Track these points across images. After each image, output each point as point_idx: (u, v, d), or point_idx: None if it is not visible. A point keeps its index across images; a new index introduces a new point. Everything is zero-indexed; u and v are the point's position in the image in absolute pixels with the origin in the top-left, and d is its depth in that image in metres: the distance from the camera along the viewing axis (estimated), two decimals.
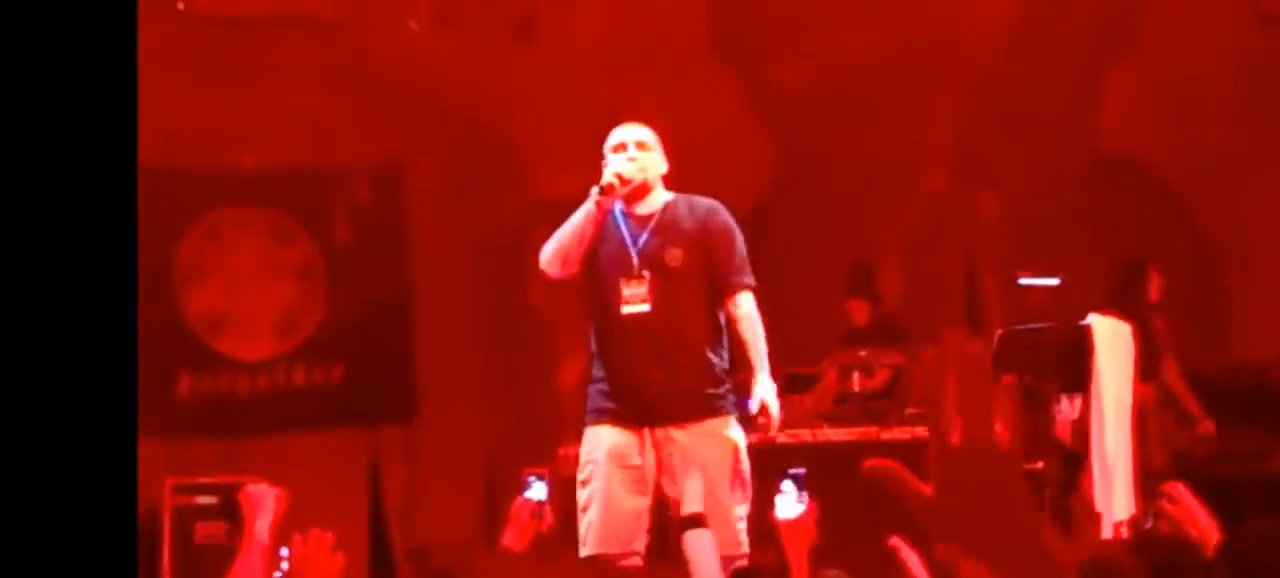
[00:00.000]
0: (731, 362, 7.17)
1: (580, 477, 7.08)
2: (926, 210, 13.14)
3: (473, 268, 13.00)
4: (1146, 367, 10.24)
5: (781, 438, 9.84)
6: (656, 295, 7.00)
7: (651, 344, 7.00)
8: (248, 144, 12.37)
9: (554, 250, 7.15)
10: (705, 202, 7.22)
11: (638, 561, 6.90)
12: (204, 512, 11.34)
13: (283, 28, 12.30)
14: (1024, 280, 11.07)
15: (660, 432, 6.99)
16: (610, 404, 7.04)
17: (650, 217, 7.11)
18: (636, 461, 6.98)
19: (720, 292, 7.11)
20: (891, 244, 13.08)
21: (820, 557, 5.41)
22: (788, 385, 10.83)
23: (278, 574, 4.75)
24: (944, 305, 13.00)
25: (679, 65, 12.81)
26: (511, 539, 5.54)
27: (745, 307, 7.09)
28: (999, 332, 10.24)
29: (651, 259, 7.04)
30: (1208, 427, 10.69)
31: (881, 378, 10.74)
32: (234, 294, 12.59)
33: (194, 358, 12.42)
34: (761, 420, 7.01)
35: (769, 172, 12.91)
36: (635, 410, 7.00)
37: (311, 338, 12.68)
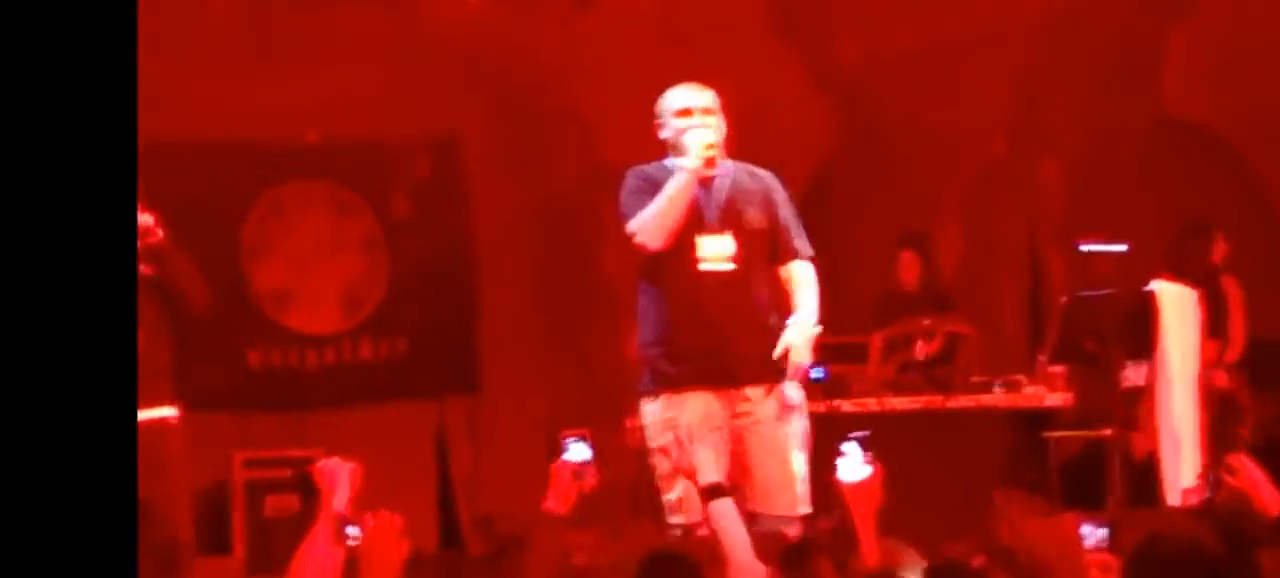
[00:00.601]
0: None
1: (658, 444, 6.98)
2: (987, 177, 13.10)
3: (535, 238, 13.03)
4: (1214, 331, 10.20)
5: (846, 407, 9.95)
6: (738, 252, 6.94)
7: (733, 302, 6.93)
8: (310, 119, 12.42)
9: (656, 224, 6.97)
10: (759, 170, 7.19)
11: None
12: (274, 485, 11.43)
13: (343, 2, 12.34)
14: (1086, 247, 11.02)
15: (737, 393, 6.92)
16: (685, 367, 6.93)
17: (719, 175, 7.05)
18: (720, 424, 6.91)
19: (783, 256, 7.07)
20: (951, 212, 13.05)
21: (884, 522, 5.44)
22: (846, 355, 10.87)
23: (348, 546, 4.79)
24: (1004, 273, 12.99)
25: (738, 31, 12.79)
26: (554, 502, 5.54)
27: (804, 272, 7.07)
28: (1063, 298, 10.22)
29: (730, 217, 6.99)
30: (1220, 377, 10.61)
31: (939, 345, 10.73)
32: (299, 269, 12.66)
33: (262, 333, 12.49)
34: (787, 363, 6.88)
35: (828, 140, 12.91)
36: (717, 371, 6.91)
37: (376, 311, 12.74)
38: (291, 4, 12.27)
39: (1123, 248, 10.64)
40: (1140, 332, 9.63)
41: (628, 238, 7.13)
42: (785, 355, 6.86)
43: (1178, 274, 10.22)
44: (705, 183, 6.99)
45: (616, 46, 12.61)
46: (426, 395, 12.70)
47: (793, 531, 6.70)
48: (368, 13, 12.40)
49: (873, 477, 5.41)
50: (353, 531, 4.76)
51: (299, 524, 11.06)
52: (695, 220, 6.96)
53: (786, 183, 7.38)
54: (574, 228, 13.04)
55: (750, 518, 6.47)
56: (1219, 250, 10.73)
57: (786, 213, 7.13)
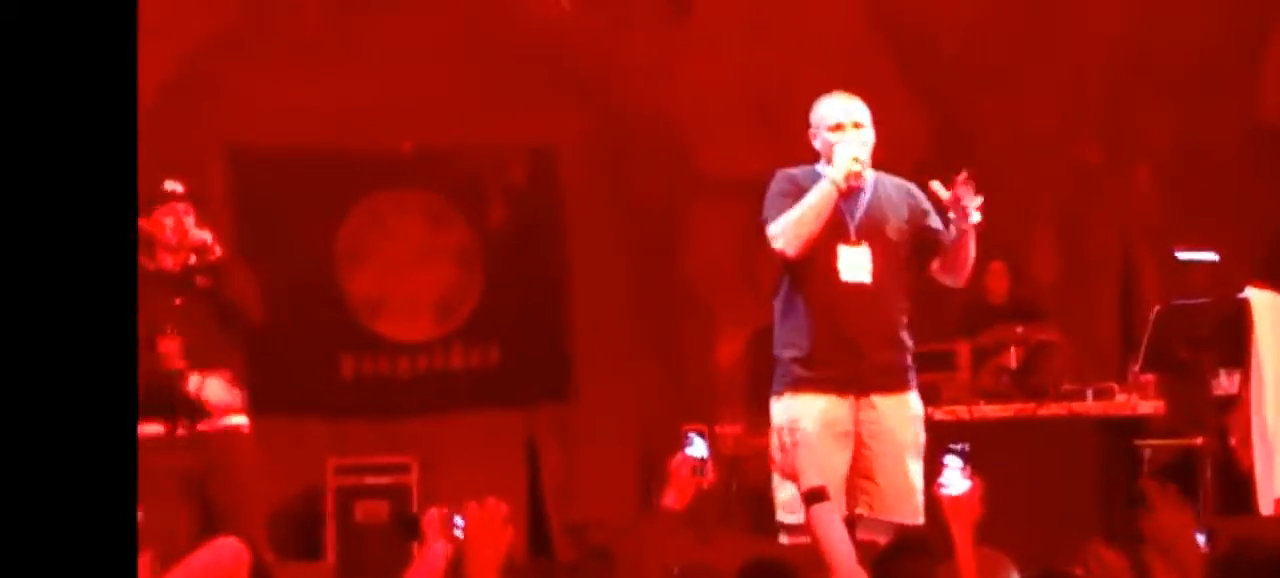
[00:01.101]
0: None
1: (780, 443, 7.03)
2: (1080, 185, 13.04)
3: (628, 246, 13.06)
4: None
5: (938, 415, 9.93)
6: (876, 265, 7.06)
7: (868, 312, 7.05)
8: (404, 126, 12.49)
9: (794, 232, 7.03)
10: (903, 181, 7.29)
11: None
12: (366, 492, 11.50)
13: (437, 9, 12.40)
14: (1182, 255, 10.96)
15: (865, 399, 7.04)
16: (817, 372, 7.04)
17: (861, 187, 7.12)
18: (847, 428, 7.02)
19: (934, 251, 7.18)
20: (1045, 220, 13.00)
21: (978, 530, 5.42)
22: (936, 363, 10.86)
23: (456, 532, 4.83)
24: (1098, 281, 12.92)
25: (832, 37, 12.77)
26: (672, 498, 5.50)
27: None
28: (1156, 307, 10.16)
29: (870, 230, 7.09)
30: None
31: (1030, 353, 10.71)
32: (393, 277, 12.74)
33: (355, 340, 12.58)
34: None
35: (922, 145, 12.86)
36: (847, 378, 7.03)
37: (469, 320, 12.81)
38: (387, 10, 12.34)
39: (1215, 257, 10.57)
40: (1233, 339, 9.55)
41: (768, 241, 7.18)
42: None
43: (1271, 282, 10.15)
44: (848, 194, 7.07)
45: (710, 52, 12.62)
46: (518, 403, 12.75)
47: (884, 538, 6.75)
48: (463, 19, 12.45)
49: (972, 490, 5.39)
50: (458, 521, 4.80)
51: (389, 532, 11.20)
52: (838, 231, 7.07)
53: None
54: (666, 235, 13.06)
55: (859, 522, 6.78)
56: None
57: (931, 219, 7.20)
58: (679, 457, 5.56)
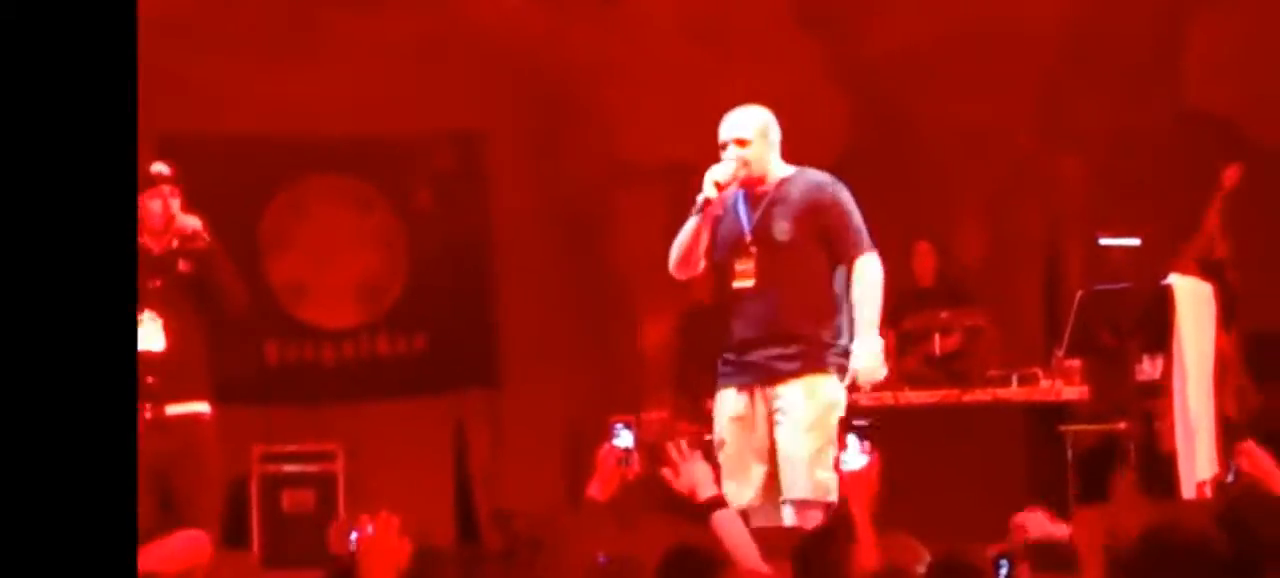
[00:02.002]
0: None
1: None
2: (1009, 173, 13.09)
3: (555, 233, 13.03)
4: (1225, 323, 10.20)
5: (863, 400, 9.95)
6: (761, 270, 7.54)
7: (754, 314, 7.53)
8: (331, 113, 12.42)
9: (675, 257, 7.68)
10: (815, 176, 7.72)
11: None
12: (291, 480, 11.45)
13: None
14: (1105, 240, 11.02)
15: (767, 390, 7.52)
16: (728, 369, 7.62)
17: (765, 193, 7.62)
18: (751, 419, 7.54)
19: (839, 261, 7.60)
20: (972, 206, 13.04)
21: (890, 513, 5.43)
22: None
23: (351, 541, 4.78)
24: (1024, 266, 12.97)
25: (761, 30, 12.78)
26: (597, 489, 5.54)
27: (862, 271, 7.57)
28: (1080, 292, 10.21)
29: (761, 235, 7.55)
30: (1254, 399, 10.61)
31: (956, 339, 10.75)
32: (317, 263, 12.67)
33: (279, 327, 12.51)
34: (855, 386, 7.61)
35: (850, 135, 12.88)
36: (748, 374, 7.55)
37: (395, 306, 12.75)
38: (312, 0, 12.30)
39: (1137, 242, 10.64)
40: (1157, 325, 9.63)
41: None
42: (854, 380, 7.56)
43: (1204, 269, 10.24)
44: (756, 201, 7.60)
45: (640, 43, 12.61)
46: (444, 390, 12.71)
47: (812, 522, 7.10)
48: (392, 7, 12.40)
49: (869, 466, 5.43)
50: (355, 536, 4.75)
51: (314, 520, 11.14)
52: (736, 244, 7.59)
53: None
54: (593, 224, 13.04)
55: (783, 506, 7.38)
56: (1221, 244, 10.73)
57: (839, 216, 7.62)
58: (605, 448, 5.60)
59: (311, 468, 11.46)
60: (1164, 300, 9.59)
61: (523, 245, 12.94)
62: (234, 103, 11.89)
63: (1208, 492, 8.71)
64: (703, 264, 7.67)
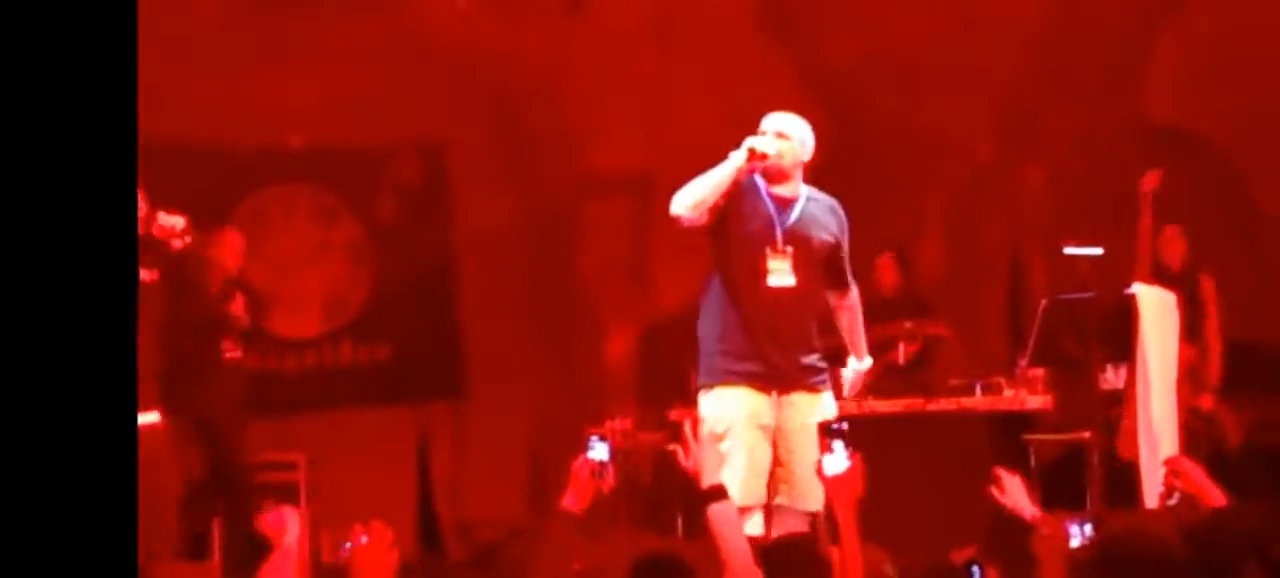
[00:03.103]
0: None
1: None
2: (972, 182, 13.11)
3: (520, 244, 13.01)
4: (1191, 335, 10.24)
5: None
6: (798, 273, 7.50)
7: (789, 316, 7.50)
8: (294, 123, 12.40)
9: (692, 197, 7.44)
10: (831, 199, 7.76)
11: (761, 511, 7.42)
12: (252, 489, 11.40)
13: (329, 6, 12.32)
14: (1069, 250, 11.05)
15: (785, 397, 7.48)
16: (743, 367, 7.46)
17: (792, 200, 7.56)
18: (768, 421, 7.46)
19: (839, 281, 7.74)
20: (935, 216, 13.06)
21: (867, 523, 5.43)
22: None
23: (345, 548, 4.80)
24: (987, 276, 12.99)
25: (726, 37, 12.79)
26: (571, 500, 5.51)
27: (855, 298, 7.83)
28: (1044, 301, 10.24)
29: (797, 239, 7.52)
30: (1206, 400, 10.64)
31: (919, 348, 10.77)
32: (281, 273, 12.63)
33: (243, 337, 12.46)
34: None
35: (815, 144, 12.89)
36: (769, 375, 7.46)
37: (358, 316, 12.72)
38: (277, 7, 12.25)
39: (1100, 251, 10.67)
40: (1120, 335, 9.66)
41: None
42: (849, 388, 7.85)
43: (1156, 276, 10.29)
44: (780, 202, 7.53)
45: (605, 52, 12.62)
46: (408, 400, 12.69)
47: (802, 526, 7.32)
48: (355, 17, 12.38)
49: (852, 468, 5.43)
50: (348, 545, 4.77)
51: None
52: (768, 238, 7.49)
53: None
54: (559, 235, 13.03)
55: (777, 511, 7.40)
56: (1178, 247, 10.77)
57: (848, 241, 7.75)
58: (579, 459, 5.58)
59: (274, 478, 11.42)
60: (1128, 310, 9.63)
61: (487, 256, 12.92)
62: (198, 113, 11.85)
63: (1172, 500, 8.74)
64: (706, 219, 7.45)
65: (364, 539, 4.63)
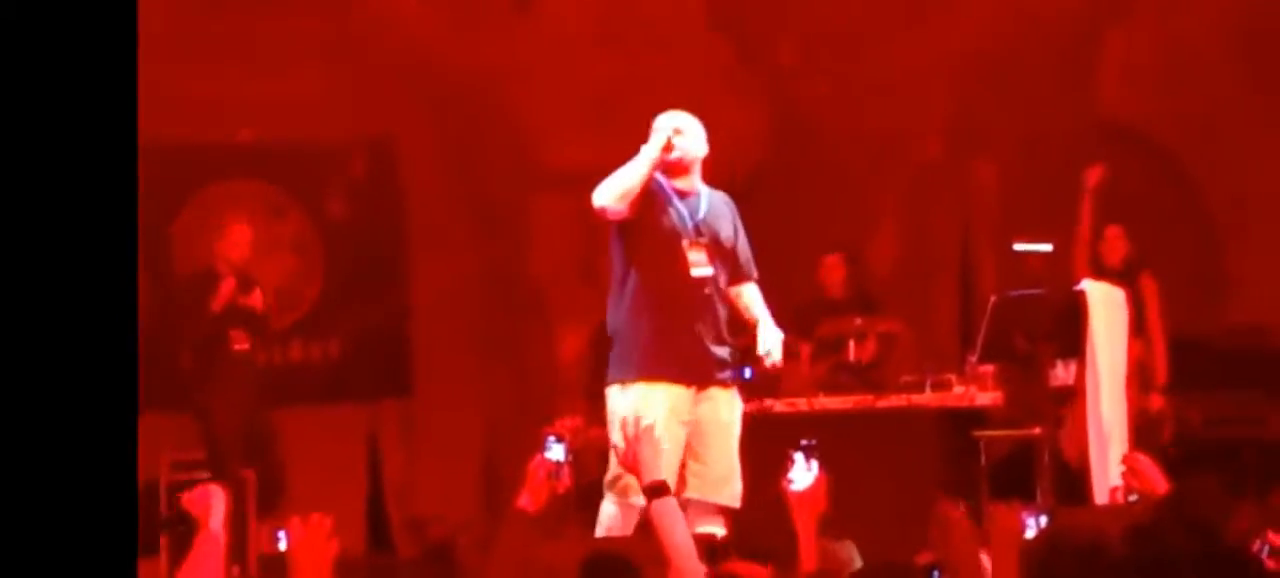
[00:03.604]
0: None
1: (624, 434, 7.25)
2: (920, 178, 13.13)
3: (470, 241, 12.99)
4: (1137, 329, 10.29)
5: (778, 407, 9.99)
6: (713, 266, 7.58)
7: (708, 308, 7.56)
8: (243, 119, 12.35)
9: (618, 188, 7.52)
10: (721, 193, 7.81)
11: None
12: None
13: (278, 2, 12.29)
14: (1019, 246, 11.08)
15: (703, 391, 7.56)
16: (668, 362, 7.49)
17: (695, 194, 7.66)
18: (687, 416, 7.50)
19: (739, 275, 7.77)
20: (884, 213, 13.08)
21: (824, 524, 5.44)
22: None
23: (279, 545, 4.76)
24: (937, 273, 13.02)
25: (674, 35, 12.80)
26: (527, 500, 5.49)
27: (755, 290, 7.81)
28: (993, 298, 10.26)
29: (708, 232, 7.61)
30: (1155, 400, 10.68)
31: (870, 345, 10.78)
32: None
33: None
34: (768, 364, 7.71)
35: (763, 142, 12.91)
36: (690, 369, 7.52)
37: (308, 314, 12.67)
38: (225, 3, 12.20)
39: (1050, 247, 10.70)
40: (1070, 331, 9.68)
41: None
42: (767, 357, 7.68)
43: (1097, 273, 10.32)
44: (683, 196, 7.59)
45: (553, 49, 12.60)
46: (359, 398, 12.66)
47: (722, 532, 7.30)
48: (305, 12, 12.35)
49: (817, 483, 5.41)
50: (282, 535, 4.74)
51: (226, 530, 11.05)
52: (681, 230, 7.56)
53: (722, 182, 7.92)
54: (509, 231, 13.01)
55: (688, 506, 7.16)
56: (1120, 247, 10.80)
57: (743, 237, 7.80)
58: (536, 459, 5.57)
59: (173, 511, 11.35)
60: (1077, 306, 9.65)
61: (437, 252, 12.90)
62: (145, 107, 11.76)
63: (1120, 497, 8.76)
64: (629, 211, 7.51)
65: (299, 530, 4.59)
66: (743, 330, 7.78)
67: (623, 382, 7.54)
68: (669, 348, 7.49)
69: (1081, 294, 9.70)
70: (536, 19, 12.68)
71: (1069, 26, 12.81)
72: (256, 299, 11.12)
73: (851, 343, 10.79)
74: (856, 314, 11.00)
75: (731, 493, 7.52)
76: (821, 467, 5.46)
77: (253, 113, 12.26)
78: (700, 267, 7.53)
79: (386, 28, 12.41)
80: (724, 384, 7.60)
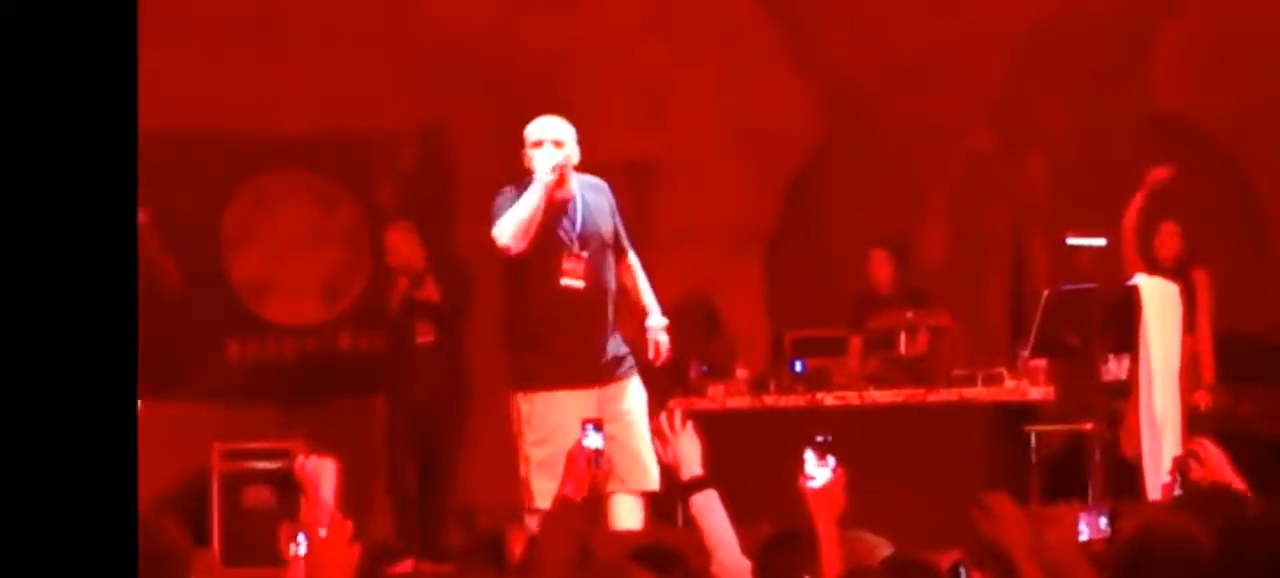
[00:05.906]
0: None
1: (534, 437, 8.02)
2: (973, 171, 13.08)
3: None
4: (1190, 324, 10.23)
5: (829, 401, 9.99)
6: (590, 270, 7.94)
7: (596, 311, 7.96)
8: (293, 109, 12.36)
9: (518, 227, 7.91)
10: (593, 178, 8.21)
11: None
12: (252, 477, 11.39)
13: None
14: (1072, 240, 11.03)
15: (604, 388, 7.94)
16: (563, 369, 7.91)
17: (569, 199, 8.04)
18: (612, 416, 7.72)
19: (621, 254, 8.21)
20: (937, 205, 13.03)
21: (853, 521, 5.39)
22: (827, 348, 10.91)
23: (296, 548, 4.69)
24: (989, 267, 12.96)
25: (726, 24, 12.77)
26: (570, 488, 5.54)
27: (635, 262, 8.29)
28: (1046, 292, 10.21)
29: (588, 237, 7.99)
30: (1202, 398, 10.60)
31: (921, 339, 10.74)
32: (279, 260, 12.59)
33: (241, 324, 12.43)
34: (656, 355, 8.19)
35: (815, 133, 12.87)
36: (589, 371, 7.92)
37: (357, 303, 12.68)
38: None
39: (1103, 242, 10.65)
40: (1123, 326, 9.64)
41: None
42: (657, 350, 8.20)
43: (1150, 268, 10.27)
44: (561, 205, 7.99)
45: (606, 37, 12.59)
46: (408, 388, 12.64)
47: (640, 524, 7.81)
48: (355, 1, 12.35)
49: (834, 481, 5.32)
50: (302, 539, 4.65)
51: (274, 516, 11.10)
52: (560, 243, 7.97)
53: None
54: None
55: (614, 502, 7.87)
56: (1173, 244, 10.73)
57: (619, 218, 8.24)
58: (576, 447, 5.61)
59: (272, 465, 11.40)
60: (1130, 301, 9.60)
61: (487, 242, 12.85)
62: (195, 98, 11.82)
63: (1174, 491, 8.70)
64: (528, 245, 7.89)
65: (322, 533, 4.47)
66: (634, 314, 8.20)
67: (526, 391, 7.99)
68: (565, 356, 7.89)
69: (1135, 289, 9.65)
70: (587, 6, 12.67)
71: (1122, 19, 12.74)
72: (431, 291, 11.47)
73: (902, 336, 10.74)
74: (907, 308, 10.96)
75: (649, 479, 7.87)
76: (840, 463, 5.39)
77: (302, 102, 12.27)
78: (572, 278, 7.88)
79: (438, 14, 12.40)
80: (622, 378, 7.96)
